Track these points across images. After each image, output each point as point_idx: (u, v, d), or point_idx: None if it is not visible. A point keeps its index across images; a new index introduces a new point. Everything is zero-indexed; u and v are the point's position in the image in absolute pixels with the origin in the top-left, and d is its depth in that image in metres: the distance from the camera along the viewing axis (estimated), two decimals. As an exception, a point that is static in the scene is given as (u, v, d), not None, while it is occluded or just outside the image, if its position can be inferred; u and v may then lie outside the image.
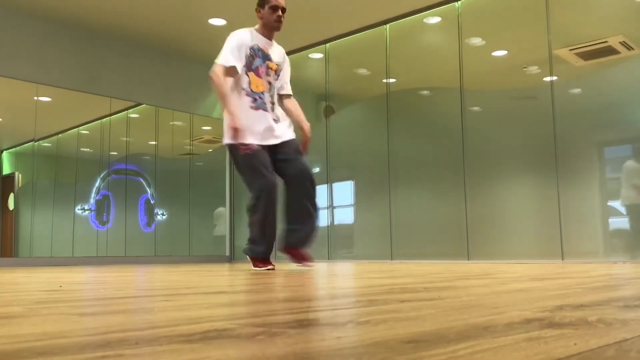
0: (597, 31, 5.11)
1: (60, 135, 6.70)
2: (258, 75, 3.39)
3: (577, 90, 5.21)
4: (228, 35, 3.50)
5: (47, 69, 6.21)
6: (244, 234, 7.59)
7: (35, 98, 6.30)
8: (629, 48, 5.00)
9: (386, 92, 6.24)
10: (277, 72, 3.53)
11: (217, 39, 6.91)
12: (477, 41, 5.88)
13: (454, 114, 5.62)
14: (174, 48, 6.97)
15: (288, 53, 7.06)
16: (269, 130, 3.39)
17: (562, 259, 4.82)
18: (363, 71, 7.09)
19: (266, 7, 3.43)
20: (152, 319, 0.94)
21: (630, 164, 4.80)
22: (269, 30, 3.48)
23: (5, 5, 5.85)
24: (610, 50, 5.06)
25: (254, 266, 3.52)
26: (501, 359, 0.56)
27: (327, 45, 6.80)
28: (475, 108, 5.67)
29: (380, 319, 0.88)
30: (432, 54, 6.46)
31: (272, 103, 3.47)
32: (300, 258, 3.48)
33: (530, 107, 5.42)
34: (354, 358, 0.57)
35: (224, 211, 7.71)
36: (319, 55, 6.93)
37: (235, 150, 3.32)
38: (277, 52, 3.56)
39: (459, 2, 5.69)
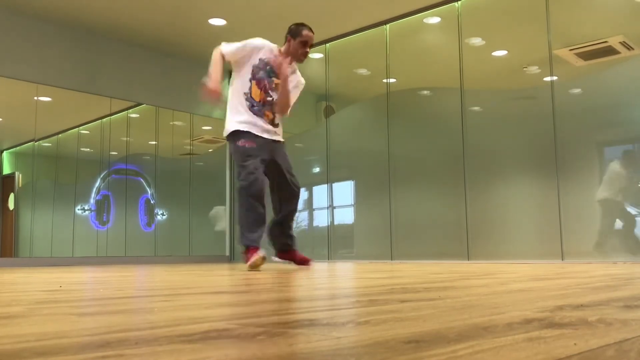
0: (597, 31, 5.11)
1: (60, 135, 6.71)
2: (259, 87, 3.58)
3: (577, 90, 5.21)
4: (227, 35, 3.67)
5: (47, 69, 6.20)
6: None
7: (35, 98, 6.30)
8: (629, 48, 5.00)
9: (386, 92, 6.24)
10: None
11: (217, 39, 6.91)
12: (477, 41, 5.88)
13: (454, 114, 5.62)
14: (174, 48, 6.97)
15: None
16: (265, 130, 3.60)
17: (562, 259, 4.82)
18: (363, 71, 7.09)
19: (297, 39, 3.63)
20: (152, 319, 0.94)
21: (614, 165, 4.86)
22: (293, 60, 3.69)
23: (5, 5, 5.85)
24: (610, 50, 5.06)
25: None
26: (501, 359, 0.56)
27: (327, 45, 6.80)
28: (475, 108, 5.67)
29: (380, 319, 0.88)
30: (432, 54, 6.46)
31: (271, 116, 3.64)
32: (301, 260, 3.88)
33: (530, 107, 5.42)
34: (354, 358, 0.57)
35: (219, 210, 7.69)
36: (319, 55, 6.92)
37: (235, 140, 3.53)
38: (293, 78, 3.72)
39: (459, 2, 5.69)
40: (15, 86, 6.08)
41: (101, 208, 6.84)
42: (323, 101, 7.06)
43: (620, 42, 4.97)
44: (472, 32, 5.72)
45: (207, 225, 7.74)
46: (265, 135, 3.57)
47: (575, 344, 0.64)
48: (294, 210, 3.79)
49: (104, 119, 6.88)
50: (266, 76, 3.60)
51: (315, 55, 6.97)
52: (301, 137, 7.37)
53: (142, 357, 0.58)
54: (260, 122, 3.57)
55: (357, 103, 6.99)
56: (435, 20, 6.05)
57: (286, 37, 3.69)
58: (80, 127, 6.86)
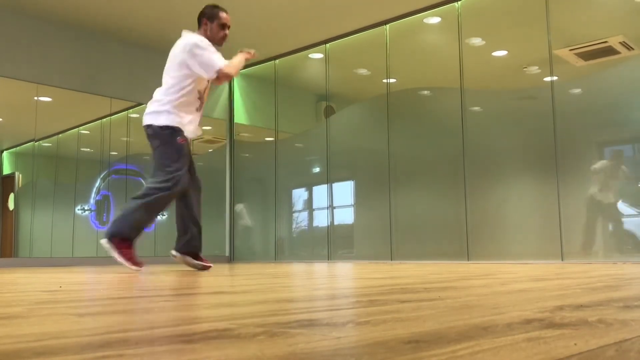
0: (597, 31, 5.11)
1: (60, 135, 6.70)
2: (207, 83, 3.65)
3: (577, 90, 5.21)
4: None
5: (47, 69, 6.20)
6: (243, 234, 7.59)
7: (35, 98, 6.30)
8: (629, 48, 5.00)
9: (386, 92, 6.24)
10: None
11: (217, 39, 6.92)
12: (477, 41, 5.88)
13: (454, 114, 5.62)
14: (174, 48, 6.97)
15: (288, 53, 7.11)
16: (195, 128, 3.71)
17: (562, 259, 4.82)
18: (363, 71, 7.08)
19: (215, 22, 3.58)
20: (152, 319, 0.94)
21: (600, 163, 4.88)
22: (213, 44, 3.61)
23: (5, 5, 5.85)
24: (610, 50, 5.06)
25: (127, 258, 3.44)
26: (501, 359, 0.56)
27: (327, 45, 6.80)
28: (475, 108, 5.67)
29: (380, 319, 0.88)
30: (432, 54, 6.46)
31: (202, 104, 3.74)
32: (202, 262, 3.87)
33: (530, 107, 5.42)
34: (354, 358, 0.57)
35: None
36: (319, 55, 6.92)
37: (172, 135, 3.55)
38: None
39: (459, 2, 5.69)
40: (15, 86, 6.08)
41: (101, 208, 6.84)
42: (323, 101, 7.06)
43: (620, 42, 4.97)
44: (472, 32, 5.72)
45: (207, 225, 7.72)
46: (192, 136, 3.68)
47: (575, 344, 0.64)
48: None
49: (104, 119, 6.88)
50: None
51: (315, 55, 6.97)
52: (301, 137, 7.37)
53: (142, 357, 0.58)
54: (197, 119, 3.66)
55: (357, 103, 6.99)
56: (435, 20, 6.05)
57: (201, 21, 3.60)
58: (80, 127, 6.86)
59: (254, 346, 0.64)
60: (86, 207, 6.74)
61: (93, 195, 6.81)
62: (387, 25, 6.27)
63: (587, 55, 5.20)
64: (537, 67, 5.64)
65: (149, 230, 7.16)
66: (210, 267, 3.88)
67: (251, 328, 0.79)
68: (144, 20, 6.21)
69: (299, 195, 7.26)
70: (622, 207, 4.84)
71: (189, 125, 3.62)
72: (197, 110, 3.66)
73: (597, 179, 4.87)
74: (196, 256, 3.85)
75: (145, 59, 6.97)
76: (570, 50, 5.17)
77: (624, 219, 4.82)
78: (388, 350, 0.61)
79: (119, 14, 6.05)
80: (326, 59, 6.84)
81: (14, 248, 6.26)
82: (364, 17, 6.18)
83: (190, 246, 3.80)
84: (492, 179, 5.49)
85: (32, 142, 6.40)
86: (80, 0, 5.75)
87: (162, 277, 2.75)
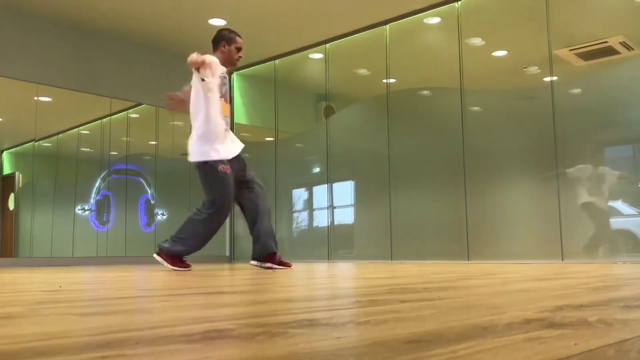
0: (597, 31, 5.11)
1: (60, 135, 6.71)
2: (226, 100, 3.83)
3: (577, 90, 5.21)
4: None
5: (47, 69, 6.20)
6: (243, 234, 7.59)
7: (35, 98, 6.30)
8: (629, 48, 5.00)
9: (386, 92, 6.24)
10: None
11: (217, 39, 6.91)
12: (477, 41, 5.88)
13: (454, 114, 5.62)
14: (174, 48, 6.97)
15: (288, 53, 7.11)
16: (232, 146, 3.86)
17: (562, 259, 4.82)
18: (363, 71, 7.08)
19: (233, 45, 3.96)
20: (152, 319, 0.94)
21: (583, 166, 4.90)
22: (228, 65, 3.97)
23: (5, 5, 5.85)
24: (610, 51, 5.06)
25: (173, 265, 3.82)
26: (501, 359, 0.56)
27: (327, 45, 6.80)
28: (475, 108, 5.67)
29: (380, 319, 0.88)
30: (432, 54, 6.45)
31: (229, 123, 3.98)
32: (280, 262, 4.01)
33: (530, 107, 5.42)
34: (354, 358, 0.57)
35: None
36: (319, 55, 6.92)
37: (212, 166, 3.71)
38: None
39: (459, 2, 5.69)
40: (15, 86, 6.08)
41: (101, 208, 6.84)
42: (323, 101, 7.06)
43: (620, 42, 4.97)
44: (472, 32, 5.72)
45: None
46: (233, 153, 3.81)
47: (575, 344, 0.64)
48: (268, 208, 4.02)
49: (104, 119, 6.88)
50: (227, 88, 3.90)
51: (315, 55, 6.97)
52: (301, 137, 7.37)
53: (142, 357, 0.58)
54: (229, 136, 3.84)
55: (357, 103, 6.99)
56: (435, 20, 6.05)
57: (219, 43, 3.95)
58: (80, 127, 6.86)
59: (254, 346, 0.64)
60: (86, 207, 6.74)
61: (93, 195, 6.81)
62: (387, 25, 6.27)
63: (587, 55, 5.20)
64: (537, 67, 5.64)
65: (150, 230, 7.17)
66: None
67: (251, 328, 0.79)
68: (143, 20, 6.21)
69: (299, 195, 7.26)
70: (622, 207, 4.84)
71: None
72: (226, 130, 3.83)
73: (586, 181, 4.89)
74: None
75: (145, 59, 6.97)
76: (570, 50, 5.17)
77: (623, 219, 4.82)
78: (388, 350, 0.61)
79: (118, 14, 6.05)
80: (326, 59, 6.84)
81: (14, 248, 6.26)
82: (364, 17, 6.18)
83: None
84: (492, 178, 5.49)
85: (32, 142, 6.40)
86: (80, 0, 5.75)
87: (162, 277, 2.75)
